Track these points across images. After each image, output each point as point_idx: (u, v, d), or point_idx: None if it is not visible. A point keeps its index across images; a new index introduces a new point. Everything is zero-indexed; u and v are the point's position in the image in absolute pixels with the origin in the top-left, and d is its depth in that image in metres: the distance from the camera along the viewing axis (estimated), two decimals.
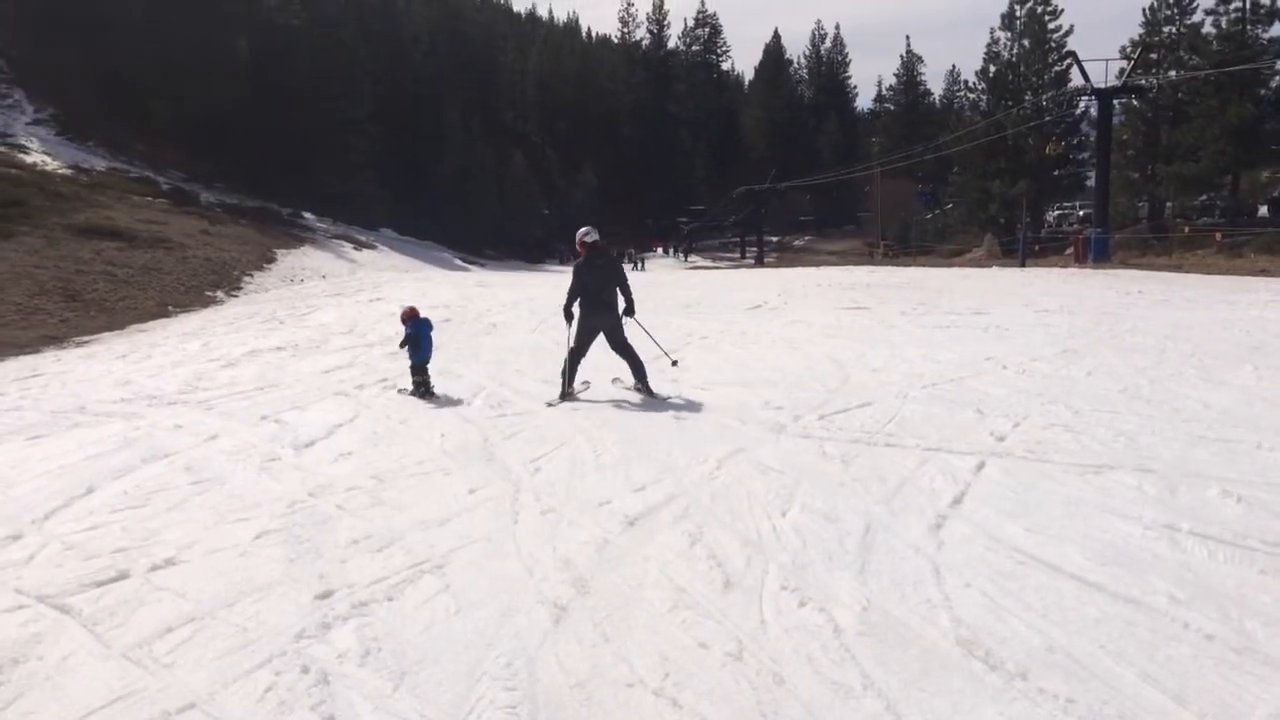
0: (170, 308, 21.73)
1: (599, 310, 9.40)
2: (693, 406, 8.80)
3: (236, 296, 25.10)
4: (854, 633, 3.93)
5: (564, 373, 9.48)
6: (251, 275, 28.37)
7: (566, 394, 9.37)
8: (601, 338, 9.48)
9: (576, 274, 9.39)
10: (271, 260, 31.66)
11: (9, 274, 20.57)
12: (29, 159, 34.74)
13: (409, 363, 9.99)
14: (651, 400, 9.18)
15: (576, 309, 9.52)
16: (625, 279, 9.66)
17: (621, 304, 9.56)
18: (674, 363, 10.48)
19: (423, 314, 10.34)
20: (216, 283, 25.95)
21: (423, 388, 9.87)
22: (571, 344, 9.52)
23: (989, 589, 4.31)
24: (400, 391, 10.10)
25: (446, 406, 9.30)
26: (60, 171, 34.23)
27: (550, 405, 9.15)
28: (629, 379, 9.67)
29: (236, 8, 49.45)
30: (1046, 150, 40.82)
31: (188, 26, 44.37)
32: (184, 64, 44.18)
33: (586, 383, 9.75)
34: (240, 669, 3.74)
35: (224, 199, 40.90)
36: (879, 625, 3.99)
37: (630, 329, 9.68)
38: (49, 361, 14.22)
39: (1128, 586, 4.31)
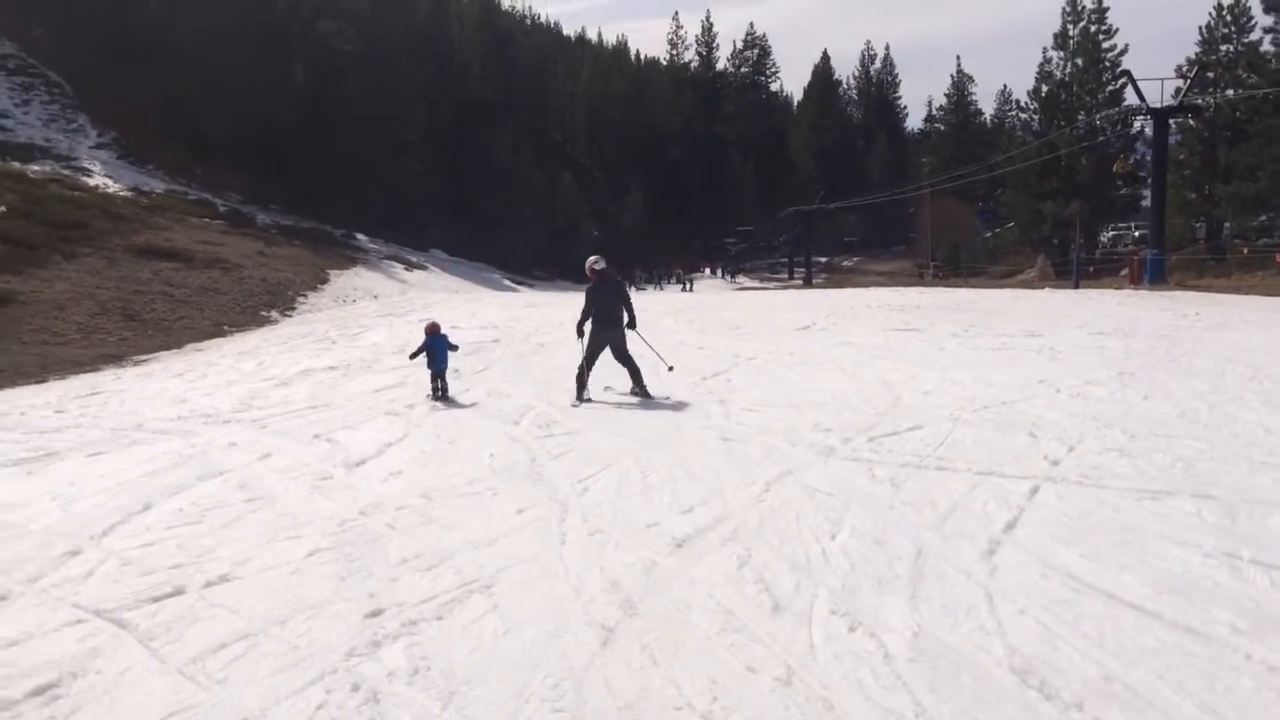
0: (226, 327, 22.13)
1: (607, 326, 10.88)
2: (740, 428, 8.76)
3: (290, 316, 25.50)
4: (905, 659, 3.88)
5: (579, 379, 10.82)
6: (305, 295, 28.82)
7: (582, 398, 10.67)
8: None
9: (588, 296, 10.99)
10: (325, 281, 32.13)
11: (71, 294, 21.09)
12: (92, 181, 35.65)
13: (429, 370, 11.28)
14: (695, 420, 9.17)
15: (588, 326, 10.97)
16: (629, 299, 11.17)
17: (626, 319, 11.06)
18: (670, 368, 11.58)
19: (445, 330, 11.84)
20: (271, 303, 26.39)
21: (437, 392, 11.09)
22: (584, 354, 10.95)
23: (1044, 617, 4.23)
24: (427, 397, 11.17)
25: (492, 422, 9.36)
26: (121, 194, 35.07)
27: (573, 406, 10.45)
28: (620, 385, 11.15)
29: (293, 34, 50.46)
30: (1115, 168, 39.99)
31: (246, 53, 45.40)
32: (241, 89, 45.17)
33: (606, 388, 11.19)
34: (292, 686, 3.77)
35: (279, 220, 41.63)
36: (931, 652, 3.94)
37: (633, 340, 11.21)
38: (108, 379, 14.54)
39: (1187, 616, 4.21)
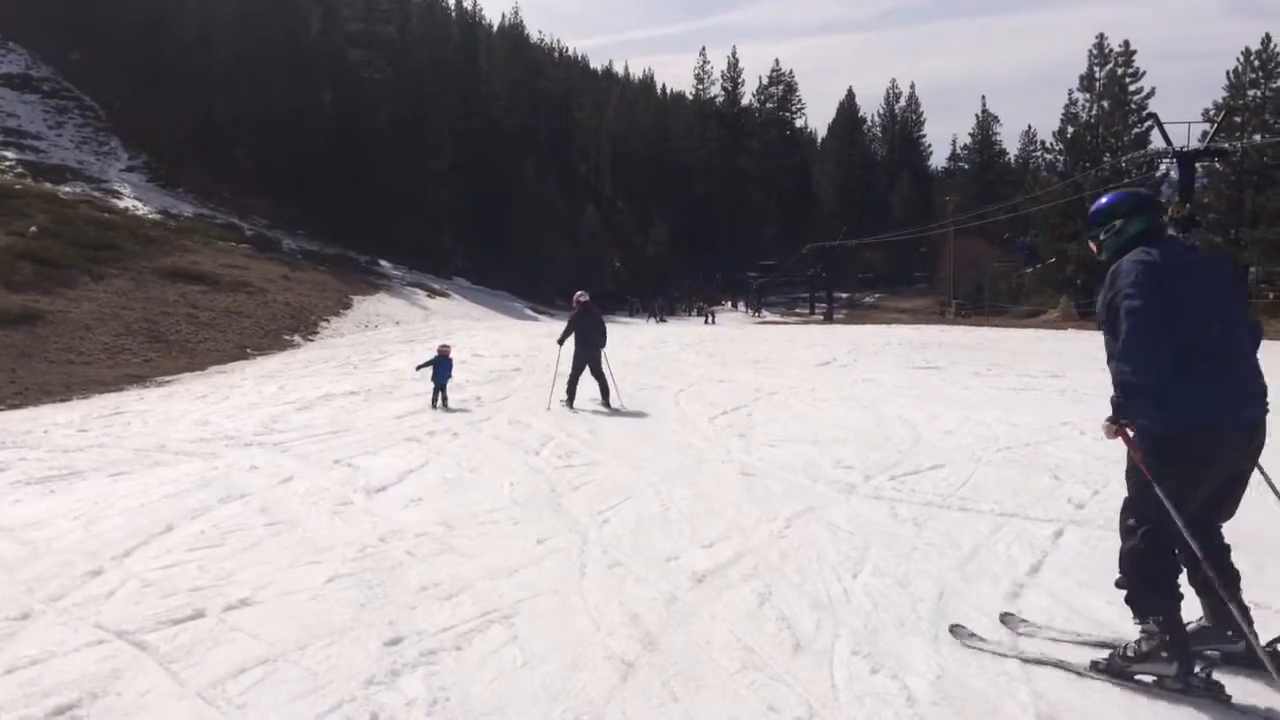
0: (249, 350, 22.29)
1: (588, 347, 13.27)
2: (761, 463, 8.73)
3: (313, 341, 25.67)
4: (928, 702, 3.83)
5: (568, 389, 13.07)
6: (328, 320, 29.02)
7: (566, 403, 12.88)
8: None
9: (572, 322, 13.57)
10: (348, 306, 32.37)
11: (98, 314, 21.32)
12: (121, 204, 36.16)
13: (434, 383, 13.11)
14: (715, 454, 9.15)
15: (570, 344, 13.42)
16: (604, 329, 13.69)
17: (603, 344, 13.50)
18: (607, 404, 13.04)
19: (458, 356, 14.18)
20: (294, 327, 26.59)
21: (436, 403, 12.85)
22: (570, 370, 13.23)
23: (1069, 661, 4.17)
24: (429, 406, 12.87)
25: (513, 451, 9.36)
26: (150, 216, 35.55)
27: (562, 404, 12.83)
28: (590, 396, 13.19)
29: (324, 62, 51.16)
30: (1170, 212, 39.30)
31: (276, 80, 46.03)
32: (271, 115, 45.79)
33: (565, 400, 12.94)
34: (311, 713, 3.75)
35: (305, 246, 42.02)
36: (954, 696, 3.88)
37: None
38: (132, 400, 14.65)
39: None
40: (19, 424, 12.12)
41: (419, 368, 13.75)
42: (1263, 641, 3.76)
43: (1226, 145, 38.36)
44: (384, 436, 10.63)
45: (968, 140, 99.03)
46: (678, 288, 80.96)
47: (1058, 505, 6.85)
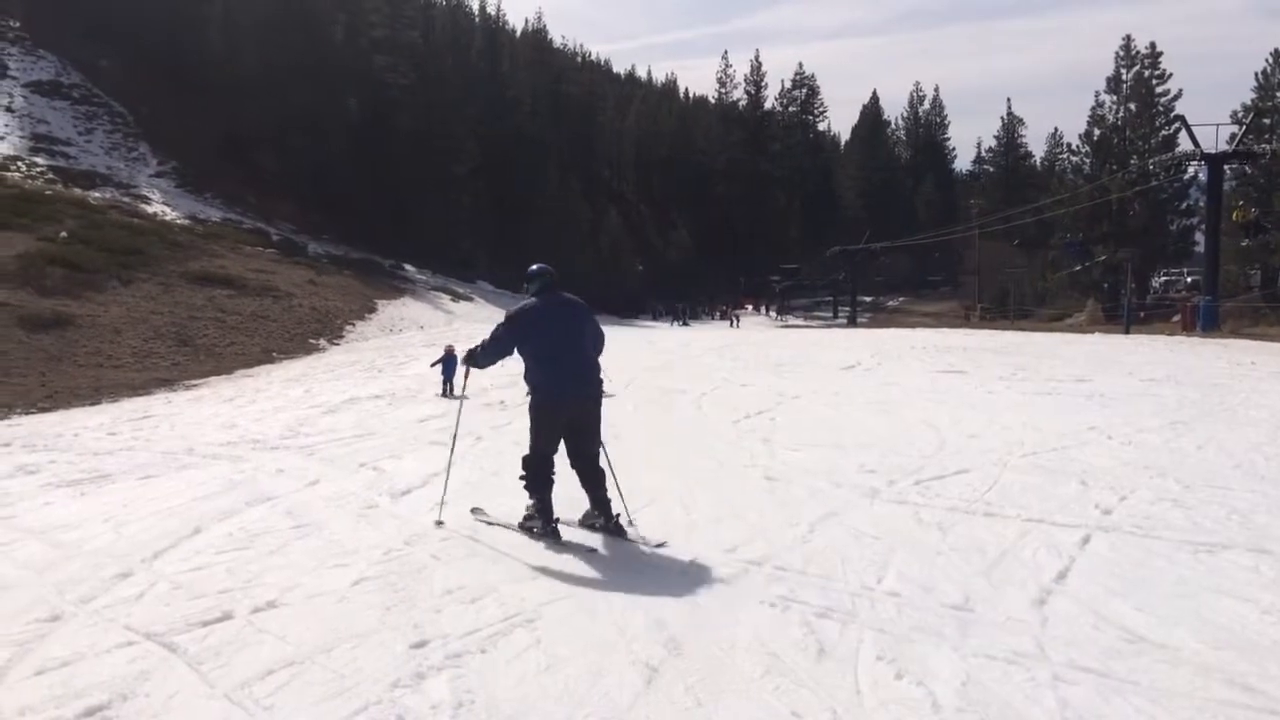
0: (275, 354, 22.46)
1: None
2: (784, 467, 8.71)
3: (338, 345, 25.84)
4: (953, 709, 3.81)
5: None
6: (353, 324, 29.20)
7: None
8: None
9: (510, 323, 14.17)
10: (373, 310, 32.55)
11: (127, 318, 21.53)
12: (150, 209, 36.51)
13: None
14: (738, 458, 9.14)
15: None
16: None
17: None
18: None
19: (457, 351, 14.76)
20: (319, 331, 26.77)
21: (445, 393, 14.65)
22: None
23: (1096, 669, 4.14)
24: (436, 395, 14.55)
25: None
26: (178, 221, 35.89)
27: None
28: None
29: (349, 68, 51.51)
30: (1234, 216, 38.50)
31: (303, 86, 46.38)
32: (297, 121, 46.14)
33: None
34: (337, 715, 3.78)
35: (330, 250, 42.30)
36: (980, 702, 3.86)
37: None
38: (160, 403, 14.79)
39: (1244, 673, 4.10)
40: (50, 427, 12.26)
41: (432, 365, 15.61)
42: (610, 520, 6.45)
43: (1255, 147, 37.99)
44: (409, 440, 10.68)
45: (992, 143, 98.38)
46: (700, 291, 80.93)
47: (1085, 511, 6.80)
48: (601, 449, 6.66)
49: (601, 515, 6.50)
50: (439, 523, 6.69)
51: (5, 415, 13.53)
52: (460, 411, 8.02)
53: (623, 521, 6.48)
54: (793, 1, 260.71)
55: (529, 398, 6.48)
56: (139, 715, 3.84)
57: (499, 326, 6.60)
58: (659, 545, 6.16)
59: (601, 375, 6.62)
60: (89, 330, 20.08)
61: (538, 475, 6.37)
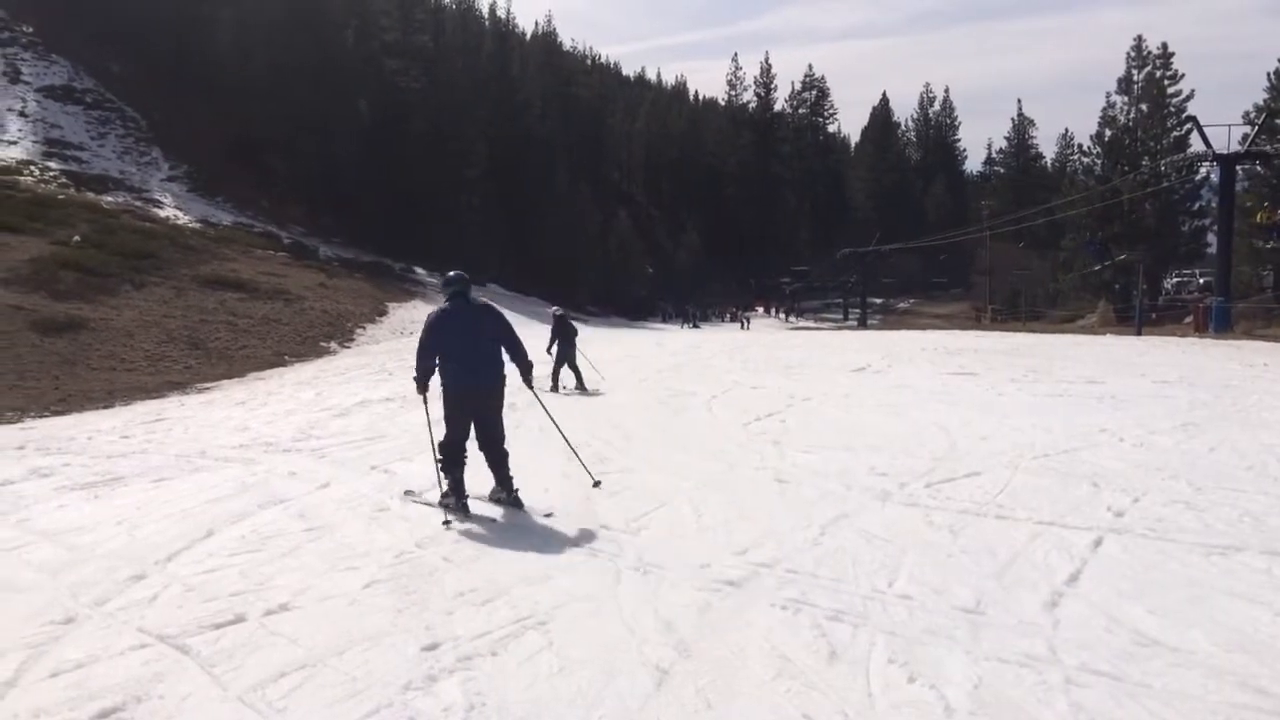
0: (286, 357, 22.52)
1: (567, 346, 15.97)
2: (795, 469, 8.70)
3: (349, 348, 25.90)
4: (966, 712, 3.80)
5: (552, 377, 15.46)
6: (364, 327, 29.28)
7: (551, 389, 14.92)
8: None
9: (555, 330, 16.12)
10: (383, 313, 32.63)
11: (139, 322, 21.63)
12: (162, 213, 36.67)
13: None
14: (749, 460, 9.13)
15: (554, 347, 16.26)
16: (576, 332, 16.50)
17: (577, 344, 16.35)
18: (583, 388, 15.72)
19: None
20: (330, 334, 26.85)
21: None
22: (554, 364, 15.84)
23: (1109, 672, 4.13)
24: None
25: (546, 458, 9.37)
26: (190, 225, 36.03)
27: (550, 391, 14.70)
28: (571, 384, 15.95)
29: (360, 72, 51.66)
30: (1258, 218, 38.11)
31: (314, 90, 46.53)
32: (308, 125, 46.29)
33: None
34: (349, 718, 3.79)
35: (341, 254, 42.42)
36: (992, 705, 3.85)
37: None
38: (173, 406, 14.84)
39: (1257, 676, 4.08)
40: (63, 430, 12.32)
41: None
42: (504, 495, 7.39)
43: (1268, 148, 37.80)
44: (419, 443, 10.63)
45: (1003, 144, 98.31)
46: (710, 293, 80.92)
47: (1097, 513, 6.77)
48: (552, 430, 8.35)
49: (504, 491, 7.42)
50: (446, 523, 6.86)
51: (19, 418, 13.60)
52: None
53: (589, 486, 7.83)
54: (802, 3, 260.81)
55: (440, 390, 7.29)
56: (153, 717, 3.86)
57: (422, 336, 7.35)
58: (547, 515, 7.06)
59: (504, 370, 7.39)
60: (102, 334, 20.17)
61: (450, 458, 7.25)
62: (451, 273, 7.58)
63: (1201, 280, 48.24)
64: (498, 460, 7.38)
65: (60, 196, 33.16)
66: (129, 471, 9.17)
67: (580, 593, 5.31)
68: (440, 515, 6.96)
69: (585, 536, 6.47)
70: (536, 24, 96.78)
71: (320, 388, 16.45)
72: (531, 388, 7.95)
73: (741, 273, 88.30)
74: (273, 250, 36.67)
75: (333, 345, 25.66)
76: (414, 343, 7.93)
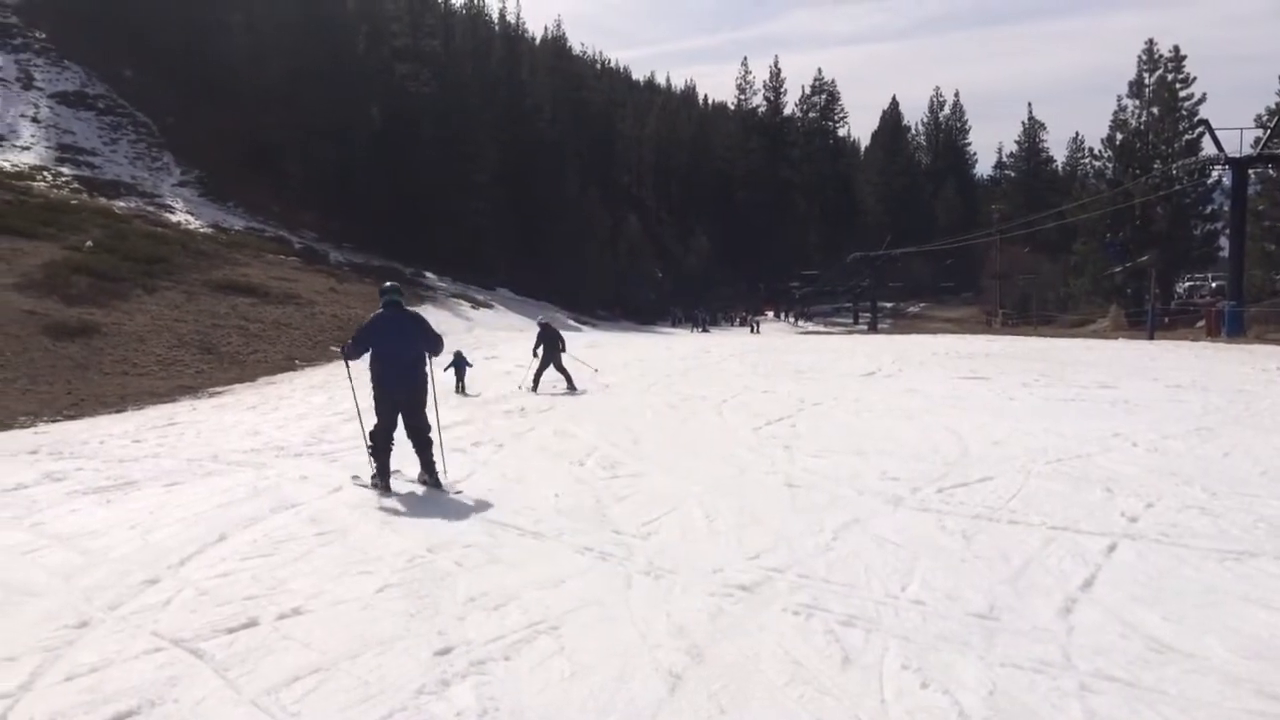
0: (297, 361, 22.57)
1: (552, 351, 16.78)
2: (806, 474, 8.68)
3: None
4: (980, 719, 3.79)
5: (534, 379, 16.62)
6: None
7: (532, 389, 16.37)
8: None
9: (540, 336, 16.89)
10: None
11: (151, 326, 21.70)
12: (174, 218, 36.81)
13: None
14: (760, 465, 9.12)
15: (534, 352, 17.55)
16: (561, 338, 17.28)
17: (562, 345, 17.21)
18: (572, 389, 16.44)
19: (466, 355, 17.54)
20: (341, 338, 26.75)
21: (456, 388, 16.31)
22: (538, 366, 16.80)
23: (1123, 678, 4.11)
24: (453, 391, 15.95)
25: (557, 462, 9.39)
26: (202, 230, 36.15)
27: (528, 390, 16.27)
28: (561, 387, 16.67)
29: (371, 76, 51.80)
30: None
31: (325, 96, 46.66)
32: (319, 130, 46.41)
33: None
34: None
35: (351, 258, 42.50)
36: (1006, 711, 3.84)
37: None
38: (185, 411, 14.90)
39: (1273, 683, 4.06)
40: (76, 435, 12.37)
41: (445, 369, 16.10)
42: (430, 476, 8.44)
43: None
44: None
45: (1014, 148, 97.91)
46: (719, 298, 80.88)
47: (1110, 518, 6.75)
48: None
49: (428, 474, 8.48)
50: (355, 477, 8.71)
51: (32, 423, 13.66)
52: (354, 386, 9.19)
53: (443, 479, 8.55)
54: (811, 7, 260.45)
55: (371, 386, 8.44)
56: None
57: (357, 330, 8.72)
58: (456, 493, 8.22)
59: (427, 372, 8.58)
60: (114, 338, 20.24)
61: (378, 444, 8.36)
62: (387, 283, 9.02)
63: (1214, 284, 47.96)
64: (422, 446, 8.42)
65: (73, 202, 33.30)
66: (141, 476, 9.21)
67: (592, 597, 5.31)
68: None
69: (596, 541, 6.46)
70: (546, 29, 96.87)
71: (332, 392, 16.49)
72: (433, 357, 8.74)
73: (751, 277, 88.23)
74: (284, 255, 36.75)
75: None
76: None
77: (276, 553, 6.24)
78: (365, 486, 8.40)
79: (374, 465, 8.37)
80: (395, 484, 8.47)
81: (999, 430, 10.79)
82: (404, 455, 8.61)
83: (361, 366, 8.63)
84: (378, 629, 4.81)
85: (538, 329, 17.55)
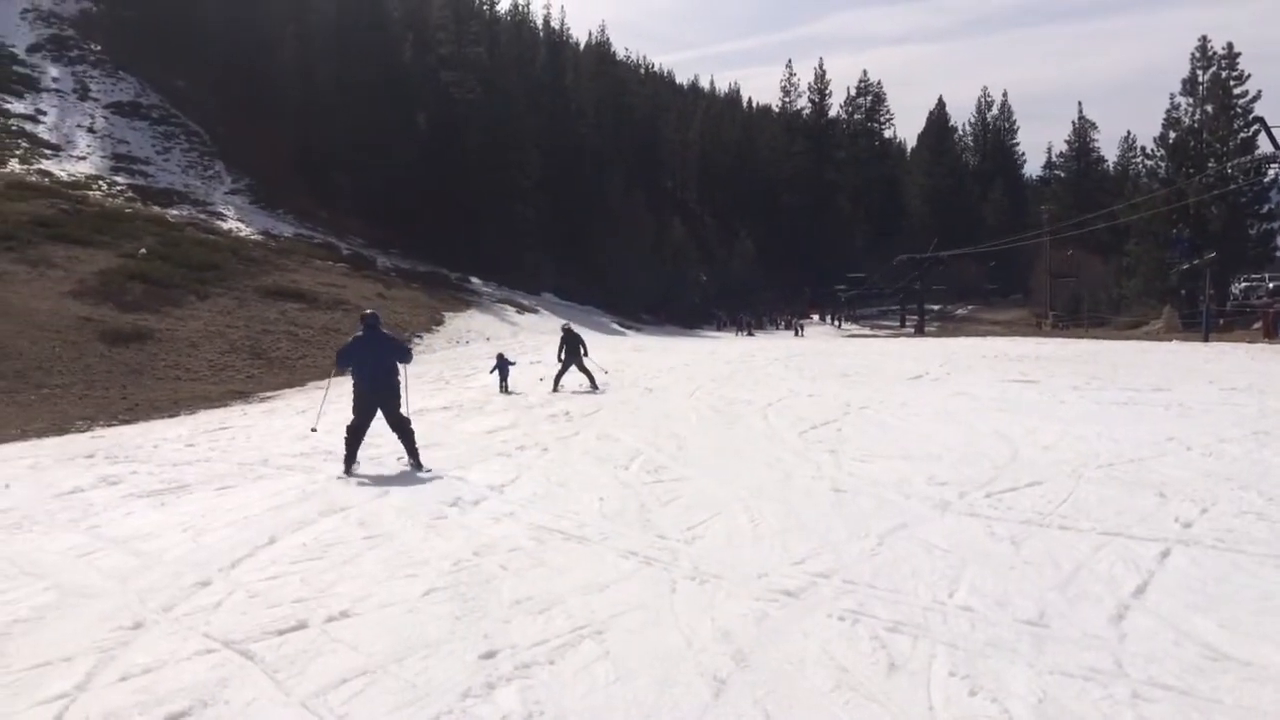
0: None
1: (572, 354, 17.80)
2: (852, 479, 8.62)
3: None
4: None
5: (556, 380, 17.87)
6: (421, 336, 29.59)
7: (554, 389, 17.49)
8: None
9: (562, 341, 18.04)
10: (440, 322, 32.97)
11: (203, 332, 22.09)
12: (225, 225, 37.42)
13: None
14: (805, 469, 9.06)
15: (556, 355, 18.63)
16: (582, 342, 18.26)
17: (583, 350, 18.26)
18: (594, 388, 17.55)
19: (510, 356, 18.75)
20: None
21: (502, 388, 17.35)
22: (560, 368, 18.02)
23: (1177, 686, 4.03)
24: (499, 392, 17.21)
25: (602, 466, 9.40)
26: (252, 237, 36.73)
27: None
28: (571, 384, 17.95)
29: (418, 84, 52.33)
30: None
31: (372, 104, 47.22)
32: (367, 137, 46.95)
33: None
34: None
35: (398, 264, 42.94)
36: None
37: None
38: (236, 415, 15.13)
39: None
40: (131, 439, 12.62)
41: (490, 371, 18.16)
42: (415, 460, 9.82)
43: None
44: (476, 451, 10.80)
45: (1064, 148, 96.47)
46: (764, 301, 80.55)
47: (1164, 524, 6.62)
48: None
49: (412, 459, 9.90)
50: (314, 430, 11.54)
51: (89, 427, 13.96)
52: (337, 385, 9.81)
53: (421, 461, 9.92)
54: (856, 8, 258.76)
55: (351, 389, 9.94)
56: None
57: (340, 350, 10.34)
58: (426, 471, 9.60)
59: (398, 379, 10.06)
60: (167, 344, 20.64)
61: (352, 438, 9.77)
62: (367, 311, 10.60)
63: (1271, 285, 46.90)
64: (404, 435, 9.95)
65: (127, 210, 33.99)
66: (194, 479, 9.38)
67: (636, 602, 5.31)
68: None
69: (641, 545, 6.46)
70: (590, 34, 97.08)
71: None
72: (404, 364, 10.37)
73: (796, 280, 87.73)
74: (332, 261, 37.24)
75: None
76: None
77: (325, 556, 6.32)
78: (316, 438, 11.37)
79: (346, 453, 9.78)
80: (402, 475, 9.04)
81: (1049, 434, 10.64)
82: (410, 461, 8.65)
83: (345, 383, 10.31)
84: (424, 632, 4.85)
85: (561, 332, 18.85)
